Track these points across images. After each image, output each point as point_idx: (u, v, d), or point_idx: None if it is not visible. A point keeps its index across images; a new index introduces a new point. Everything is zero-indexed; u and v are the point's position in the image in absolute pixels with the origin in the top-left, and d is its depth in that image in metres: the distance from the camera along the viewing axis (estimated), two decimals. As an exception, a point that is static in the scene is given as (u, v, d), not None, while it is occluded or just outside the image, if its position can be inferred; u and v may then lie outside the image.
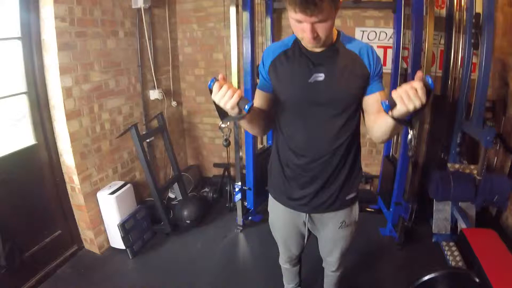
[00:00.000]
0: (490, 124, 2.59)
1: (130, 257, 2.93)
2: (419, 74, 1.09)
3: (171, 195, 3.93)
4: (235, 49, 2.98)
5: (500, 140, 3.29)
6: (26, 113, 2.61)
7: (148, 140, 3.52)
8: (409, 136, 1.25)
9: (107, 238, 3.05)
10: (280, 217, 1.77)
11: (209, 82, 1.21)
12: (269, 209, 1.84)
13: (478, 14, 2.75)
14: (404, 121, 1.20)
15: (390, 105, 1.13)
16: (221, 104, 1.23)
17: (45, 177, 2.74)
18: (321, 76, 1.41)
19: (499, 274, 2.05)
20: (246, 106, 1.24)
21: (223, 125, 1.35)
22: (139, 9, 3.21)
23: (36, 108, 2.62)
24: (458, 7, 3.19)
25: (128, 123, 3.24)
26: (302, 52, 1.43)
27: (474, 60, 2.95)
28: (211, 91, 1.24)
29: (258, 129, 1.53)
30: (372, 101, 1.45)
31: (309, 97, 1.44)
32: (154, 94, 3.59)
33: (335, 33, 1.42)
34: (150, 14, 3.47)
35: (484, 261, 2.16)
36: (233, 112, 1.25)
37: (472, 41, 2.82)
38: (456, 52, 3.25)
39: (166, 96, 3.81)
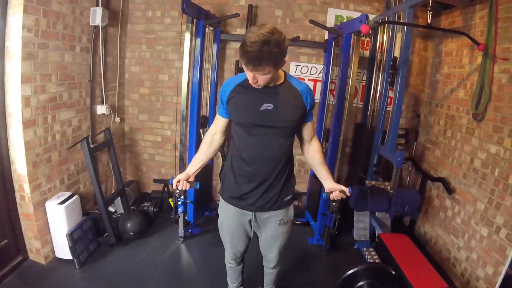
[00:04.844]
0: (400, 148, 3.13)
1: (77, 267, 2.95)
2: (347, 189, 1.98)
3: (111, 209, 3.96)
4: (186, 72, 3.23)
5: (412, 162, 3.91)
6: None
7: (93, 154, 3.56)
8: (333, 203, 2.06)
9: (53, 248, 3.04)
10: (230, 216, 2.13)
11: (170, 180, 1.99)
12: (219, 211, 2.20)
13: (395, 58, 3.35)
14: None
15: (326, 196, 2.03)
16: (181, 189, 1.98)
17: (-5, 184, 2.69)
18: (270, 106, 1.85)
19: (411, 267, 2.56)
20: (197, 186, 2.02)
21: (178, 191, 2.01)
22: (96, 27, 3.35)
23: (-8, 114, 2.59)
24: (380, 50, 3.80)
25: (76, 136, 3.32)
26: None
27: (390, 94, 3.52)
28: (171, 186, 2.01)
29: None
30: (304, 128, 2.04)
31: (259, 121, 1.87)
32: (101, 109, 3.68)
33: (282, 74, 1.90)
34: (105, 32, 3.59)
35: (398, 257, 2.65)
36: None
37: (389, 79, 3.41)
38: (376, 88, 3.85)
39: (112, 112, 3.91)
